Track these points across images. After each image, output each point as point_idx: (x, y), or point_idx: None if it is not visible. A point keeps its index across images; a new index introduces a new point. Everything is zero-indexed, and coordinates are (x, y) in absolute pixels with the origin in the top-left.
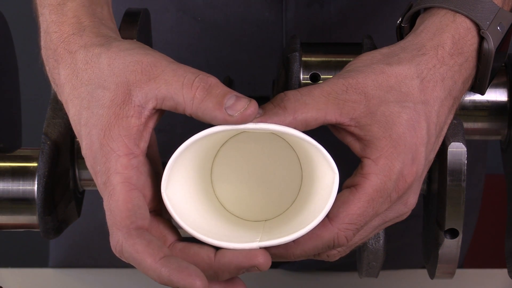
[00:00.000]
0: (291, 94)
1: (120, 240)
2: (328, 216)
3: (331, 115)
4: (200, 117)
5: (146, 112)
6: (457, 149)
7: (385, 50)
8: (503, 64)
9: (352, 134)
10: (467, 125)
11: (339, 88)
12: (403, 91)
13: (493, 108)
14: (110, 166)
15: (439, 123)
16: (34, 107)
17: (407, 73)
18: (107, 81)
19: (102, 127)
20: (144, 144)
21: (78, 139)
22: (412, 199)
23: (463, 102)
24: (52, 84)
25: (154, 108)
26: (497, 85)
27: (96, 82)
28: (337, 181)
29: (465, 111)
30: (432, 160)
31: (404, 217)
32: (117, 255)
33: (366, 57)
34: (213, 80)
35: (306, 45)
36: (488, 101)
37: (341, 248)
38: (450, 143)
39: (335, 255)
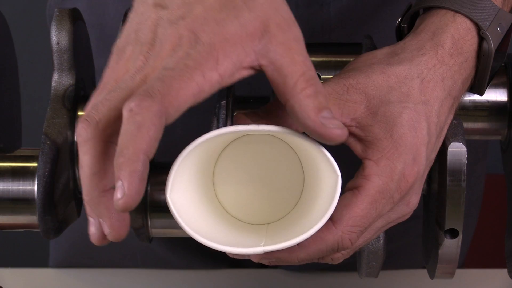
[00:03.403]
0: None
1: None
2: (331, 219)
3: None
4: (294, 108)
5: (255, 62)
6: (457, 149)
7: (385, 50)
8: (502, 64)
9: (353, 134)
10: (467, 125)
11: (340, 88)
12: (404, 91)
13: (493, 108)
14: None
15: (439, 123)
16: (34, 107)
17: (407, 73)
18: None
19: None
20: (228, 80)
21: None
22: (414, 200)
23: (463, 102)
24: None
25: (258, 65)
26: (497, 85)
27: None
28: (339, 183)
29: (465, 111)
30: (433, 160)
31: (406, 217)
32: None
33: (367, 57)
34: (322, 89)
35: (306, 45)
36: (488, 101)
37: (345, 251)
38: (450, 143)
39: (339, 258)
